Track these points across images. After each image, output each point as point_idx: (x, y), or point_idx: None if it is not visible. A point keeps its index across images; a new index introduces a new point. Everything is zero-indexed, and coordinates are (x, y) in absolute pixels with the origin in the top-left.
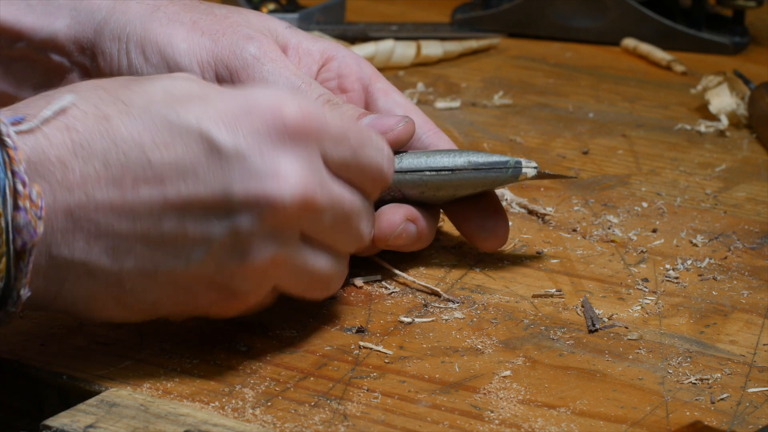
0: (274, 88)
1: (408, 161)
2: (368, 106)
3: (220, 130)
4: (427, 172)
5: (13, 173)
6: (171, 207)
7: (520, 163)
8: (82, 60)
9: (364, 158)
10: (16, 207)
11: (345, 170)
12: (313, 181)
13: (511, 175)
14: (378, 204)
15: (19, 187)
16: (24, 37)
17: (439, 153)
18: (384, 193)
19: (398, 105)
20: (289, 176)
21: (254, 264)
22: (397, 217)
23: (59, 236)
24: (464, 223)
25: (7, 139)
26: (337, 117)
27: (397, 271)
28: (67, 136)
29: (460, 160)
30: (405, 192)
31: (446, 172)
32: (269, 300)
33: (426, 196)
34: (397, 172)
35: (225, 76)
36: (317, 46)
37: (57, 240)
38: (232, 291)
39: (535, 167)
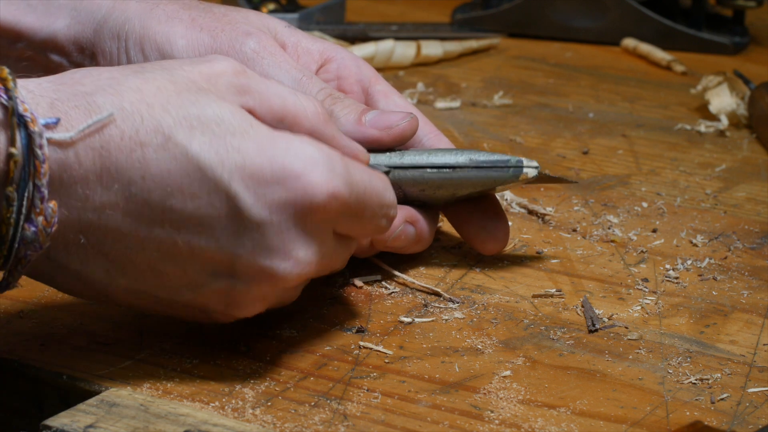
0: (309, 145)
1: (410, 158)
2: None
3: (249, 196)
4: (429, 170)
5: (35, 186)
6: (178, 251)
7: (521, 162)
8: (81, 60)
9: (371, 227)
10: (28, 219)
11: (349, 231)
12: (319, 261)
13: (512, 175)
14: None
15: (37, 201)
16: (24, 38)
17: (441, 151)
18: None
19: (398, 107)
20: (300, 259)
21: (241, 312)
22: (396, 220)
23: (62, 246)
24: (464, 225)
25: (38, 151)
26: (360, 185)
27: (396, 273)
28: (98, 158)
29: (461, 157)
30: (405, 190)
31: (447, 170)
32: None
33: (426, 194)
34: (398, 168)
35: None
36: (316, 45)
37: (59, 248)
38: (213, 315)
39: (536, 167)
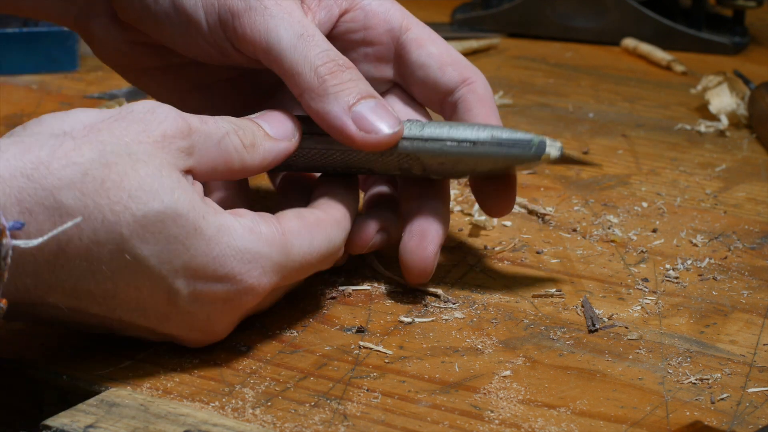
0: (249, 240)
1: (430, 130)
2: (400, 59)
3: (189, 292)
4: (449, 143)
5: None
6: (110, 323)
7: (544, 142)
8: None
9: (306, 276)
10: None
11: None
12: (226, 334)
13: (534, 154)
14: (392, 176)
15: None
16: None
17: (464, 125)
18: (404, 162)
19: (432, 57)
20: (215, 335)
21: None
22: (371, 229)
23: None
24: (477, 187)
25: (2, 263)
26: (297, 259)
27: (397, 278)
28: (53, 257)
29: (483, 133)
30: (424, 162)
31: (468, 144)
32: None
33: (445, 167)
34: (417, 139)
35: (228, 20)
36: None
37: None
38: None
39: (559, 148)
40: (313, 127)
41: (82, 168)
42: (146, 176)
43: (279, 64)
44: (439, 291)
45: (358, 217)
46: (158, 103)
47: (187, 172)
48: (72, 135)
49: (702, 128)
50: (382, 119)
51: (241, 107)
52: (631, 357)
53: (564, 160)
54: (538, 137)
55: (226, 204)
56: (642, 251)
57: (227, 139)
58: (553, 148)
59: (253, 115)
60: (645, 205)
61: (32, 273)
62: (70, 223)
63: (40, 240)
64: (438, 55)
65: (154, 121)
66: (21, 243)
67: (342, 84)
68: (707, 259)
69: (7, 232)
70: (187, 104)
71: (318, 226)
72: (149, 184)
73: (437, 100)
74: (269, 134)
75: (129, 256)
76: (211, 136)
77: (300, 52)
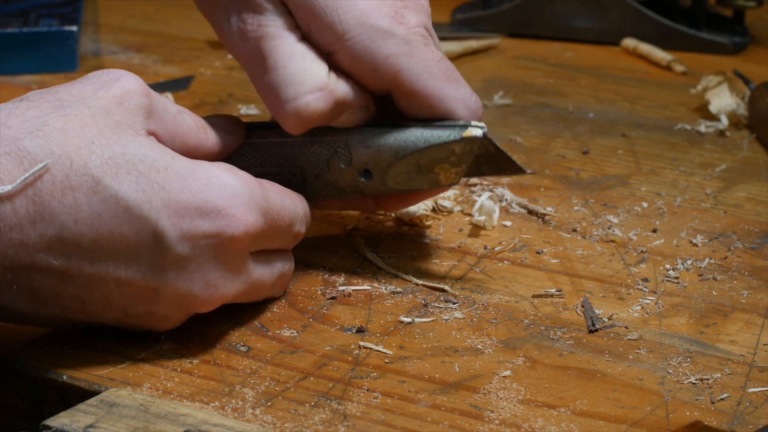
0: (228, 176)
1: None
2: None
3: (174, 232)
4: (373, 128)
5: None
6: (104, 284)
7: (468, 124)
8: None
9: (283, 242)
10: None
11: (262, 248)
12: (235, 286)
13: (457, 133)
14: (318, 168)
15: None
16: None
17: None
18: (330, 149)
19: (421, 108)
20: (218, 285)
21: (162, 327)
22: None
23: None
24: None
25: None
26: (274, 209)
27: (400, 273)
28: (31, 205)
29: (408, 123)
30: (352, 149)
31: (390, 128)
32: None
33: (369, 153)
34: (346, 130)
35: None
36: None
37: None
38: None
39: (482, 128)
40: (251, 128)
41: (41, 120)
42: (105, 127)
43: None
44: (446, 286)
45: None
46: (113, 69)
47: (150, 134)
48: (29, 98)
49: (702, 128)
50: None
51: None
52: (631, 357)
53: (489, 146)
54: (464, 122)
55: None
56: (642, 251)
57: (182, 115)
58: (475, 128)
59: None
60: (645, 205)
61: (16, 225)
62: (37, 167)
63: (12, 185)
64: (426, 99)
65: (111, 80)
66: None
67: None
68: (707, 259)
69: None
70: None
71: (286, 192)
72: (109, 132)
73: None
74: (217, 125)
75: (105, 195)
76: (167, 107)
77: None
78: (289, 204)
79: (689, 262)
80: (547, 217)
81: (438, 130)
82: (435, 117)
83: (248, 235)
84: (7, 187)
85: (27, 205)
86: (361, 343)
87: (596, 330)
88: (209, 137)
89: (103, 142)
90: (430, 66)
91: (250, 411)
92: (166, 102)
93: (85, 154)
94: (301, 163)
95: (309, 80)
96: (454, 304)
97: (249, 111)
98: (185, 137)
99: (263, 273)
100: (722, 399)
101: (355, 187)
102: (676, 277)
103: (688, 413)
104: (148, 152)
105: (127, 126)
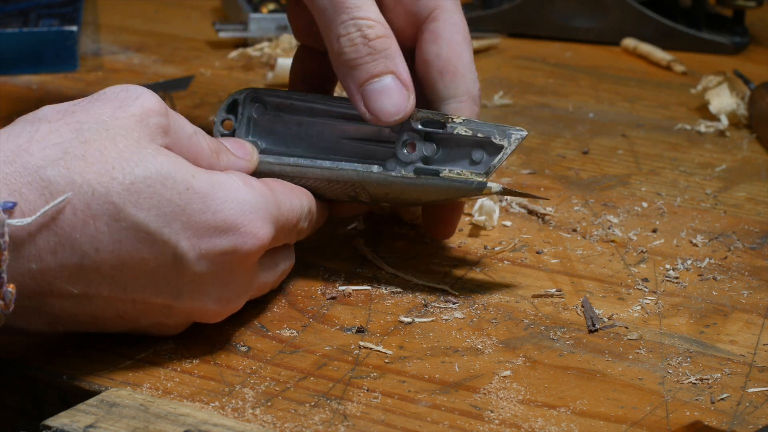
0: (244, 191)
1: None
2: (414, 42)
3: (194, 253)
4: (393, 173)
5: None
6: (121, 304)
7: (484, 183)
8: None
9: (291, 239)
10: None
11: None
12: (245, 297)
13: (475, 188)
14: (337, 201)
15: None
16: None
17: None
18: (349, 190)
19: (439, 59)
20: (231, 300)
21: (169, 333)
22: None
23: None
24: (425, 208)
25: (0, 240)
26: (284, 214)
27: (400, 273)
28: (52, 236)
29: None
30: (370, 190)
31: (412, 176)
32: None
33: (390, 198)
34: (364, 171)
35: None
36: None
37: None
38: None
39: (500, 187)
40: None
41: (62, 147)
42: (125, 148)
43: (317, 20)
44: (446, 286)
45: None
46: (130, 85)
47: (167, 149)
48: (47, 120)
49: (702, 128)
50: (390, 100)
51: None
52: (631, 357)
53: (507, 193)
54: (479, 178)
55: None
56: (642, 251)
57: (197, 137)
58: (493, 185)
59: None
60: (645, 205)
61: (35, 257)
62: (60, 198)
63: (34, 216)
64: (445, 59)
65: (129, 98)
66: (15, 221)
67: (360, 59)
68: (707, 259)
69: (0, 209)
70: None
71: (293, 191)
72: (130, 154)
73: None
74: (230, 151)
75: (126, 224)
76: (183, 127)
77: (329, 17)
78: (296, 204)
79: (689, 262)
80: (547, 217)
81: (457, 182)
82: (443, 79)
83: (262, 248)
84: (27, 220)
85: (48, 237)
86: (361, 343)
87: (596, 330)
88: (221, 162)
89: (124, 166)
90: (462, 24)
91: (250, 411)
92: (183, 122)
93: (106, 181)
94: (320, 195)
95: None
96: (454, 304)
97: None
98: (197, 159)
99: (269, 275)
100: (722, 399)
101: (377, 205)
102: (676, 277)
103: (688, 413)
104: (170, 171)
105: (146, 143)
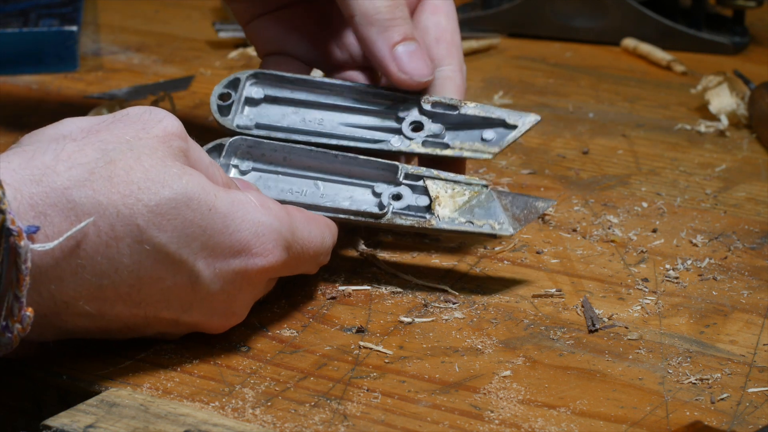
0: (261, 213)
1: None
2: (413, 12)
3: (209, 272)
4: (403, 215)
5: (15, 296)
6: (134, 320)
7: (495, 234)
8: None
9: (303, 271)
10: (5, 327)
11: (281, 275)
12: (248, 310)
13: (488, 234)
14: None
15: (15, 309)
16: None
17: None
18: (378, 226)
19: (438, 27)
20: (236, 314)
21: (172, 338)
22: None
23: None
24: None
25: (22, 266)
26: (299, 243)
27: (400, 273)
28: (75, 259)
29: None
30: (394, 229)
31: (422, 220)
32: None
33: (414, 231)
34: (392, 213)
35: None
36: None
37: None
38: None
39: (510, 233)
40: None
41: (88, 167)
42: (151, 168)
43: None
44: (446, 286)
45: None
46: (152, 107)
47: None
48: (72, 137)
49: (702, 128)
50: (418, 64)
51: (311, 34)
52: (631, 357)
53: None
54: (498, 226)
55: None
56: (642, 251)
57: (213, 168)
58: (506, 232)
59: None
60: (645, 205)
61: (56, 278)
62: (84, 223)
63: (57, 242)
64: (443, 28)
65: (152, 120)
66: (38, 246)
67: (393, 20)
68: (707, 259)
69: (24, 235)
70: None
71: (315, 221)
72: (156, 174)
73: None
74: (239, 188)
75: (148, 246)
76: (202, 156)
77: None
78: (316, 235)
79: (689, 262)
80: (547, 217)
81: (470, 227)
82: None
83: (271, 270)
84: (51, 245)
85: (70, 259)
86: (361, 343)
87: (596, 330)
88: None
89: (150, 186)
90: (453, 5)
91: (250, 411)
92: (201, 151)
93: (131, 203)
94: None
95: None
96: (454, 304)
97: None
98: (213, 180)
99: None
100: (722, 399)
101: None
102: (676, 277)
103: (688, 413)
104: (195, 192)
105: (171, 161)
